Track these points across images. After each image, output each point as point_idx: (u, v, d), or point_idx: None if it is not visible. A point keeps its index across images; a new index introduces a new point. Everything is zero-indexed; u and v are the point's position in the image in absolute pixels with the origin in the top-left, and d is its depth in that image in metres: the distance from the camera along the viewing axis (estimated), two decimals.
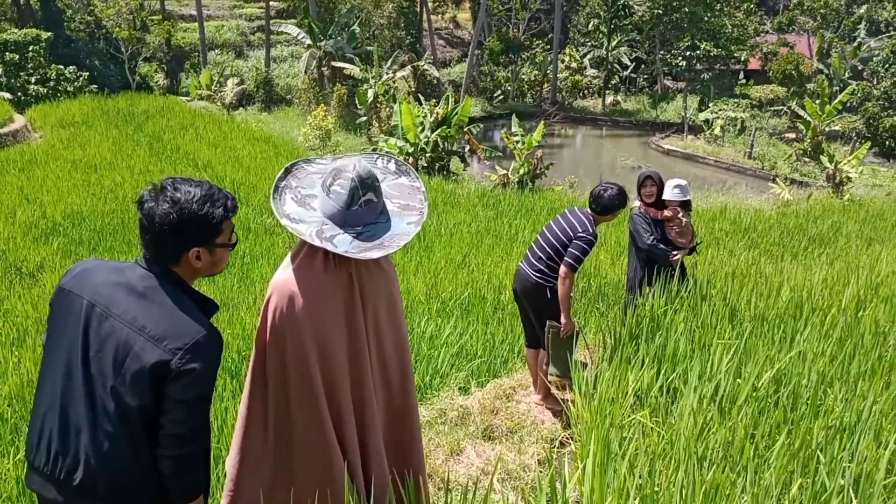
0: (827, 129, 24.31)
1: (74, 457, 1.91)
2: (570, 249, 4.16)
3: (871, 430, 2.96)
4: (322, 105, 23.57)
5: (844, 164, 18.13)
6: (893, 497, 2.54)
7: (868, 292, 5.07)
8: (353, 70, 25.22)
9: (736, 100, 30.08)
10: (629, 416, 3.21)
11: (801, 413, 3.13)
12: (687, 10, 30.45)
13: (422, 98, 21.47)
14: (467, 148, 18.61)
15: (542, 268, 4.28)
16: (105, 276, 1.98)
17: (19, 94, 22.81)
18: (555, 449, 4.03)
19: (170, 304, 1.94)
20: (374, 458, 2.38)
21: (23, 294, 7.20)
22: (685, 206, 5.49)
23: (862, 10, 37.84)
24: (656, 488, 2.53)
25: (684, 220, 5.40)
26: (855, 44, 33.80)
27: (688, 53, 31.44)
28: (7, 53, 23.54)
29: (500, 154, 19.63)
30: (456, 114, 17.73)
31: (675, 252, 5.33)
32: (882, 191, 19.20)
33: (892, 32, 32.67)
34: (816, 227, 10.97)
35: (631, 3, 33.61)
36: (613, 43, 36.07)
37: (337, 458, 2.27)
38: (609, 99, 36.36)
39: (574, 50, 37.61)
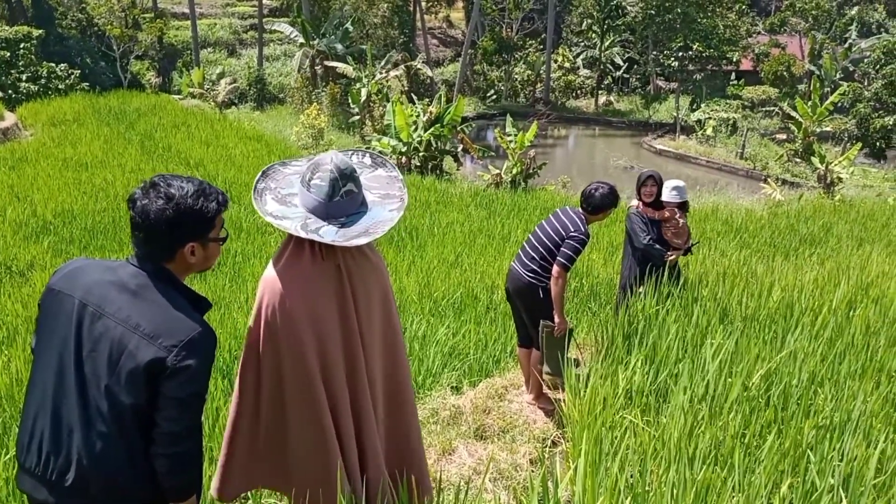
0: (818, 129, 24.44)
1: (67, 457, 1.90)
2: (562, 249, 4.17)
3: (861, 429, 2.98)
4: (315, 104, 23.53)
5: (835, 164, 18.23)
6: (883, 496, 2.55)
7: (858, 292, 5.09)
8: (347, 69, 25.19)
9: (728, 100, 30.21)
10: (620, 416, 3.22)
11: (791, 413, 3.15)
12: (679, 10, 30.57)
13: (415, 97, 21.45)
14: (460, 147, 18.61)
15: (534, 268, 4.28)
16: (96, 275, 1.98)
17: (10, 91, 22.66)
18: (547, 448, 4.03)
19: (163, 301, 1.94)
20: (370, 451, 2.38)
21: (13, 293, 7.15)
22: (682, 207, 5.51)
23: (853, 12, 38.08)
24: (647, 488, 2.54)
25: (681, 221, 5.42)
26: (846, 45, 33.99)
27: (680, 54, 31.55)
28: None
29: (493, 154, 19.64)
30: (449, 113, 17.72)
31: (670, 252, 5.35)
32: (872, 191, 19.31)
33: (882, 34, 32.85)
34: (807, 227, 11.01)
35: (624, 3, 33.69)
36: (606, 43, 36.17)
37: (335, 452, 2.27)
38: (602, 99, 36.45)
39: (567, 50, 37.69)
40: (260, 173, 2.32)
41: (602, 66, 36.72)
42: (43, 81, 23.56)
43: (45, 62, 24.17)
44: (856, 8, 38.92)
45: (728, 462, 2.74)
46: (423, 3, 39.75)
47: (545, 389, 4.51)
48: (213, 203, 1.99)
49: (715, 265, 7.19)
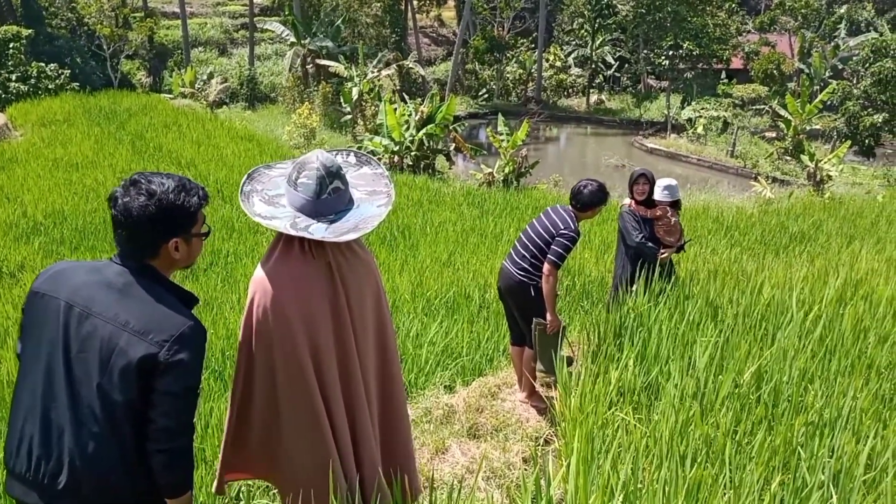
0: (808, 127, 24.58)
1: (58, 459, 1.89)
2: (552, 247, 4.18)
3: (851, 426, 3.00)
4: (306, 103, 23.47)
5: (825, 162, 18.32)
6: (873, 492, 2.57)
7: (848, 290, 5.12)
8: (338, 68, 25.14)
9: (718, 99, 30.31)
10: (612, 414, 3.23)
11: (782, 409, 3.17)
12: (670, 9, 30.66)
13: (407, 96, 21.43)
14: (452, 146, 18.61)
15: (526, 266, 4.29)
16: (81, 276, 1.97)
17: None
18: (539, 447, 4.04)
19: (150, 298, 1.94)
20: (366, 450, 2.39)
21: (3, 294, 7.12)
22: (674, 205, 5.53)
23: (842, 10, 38.27)
24: (639, 485, 2.55)
25: (673, 219, 5.44)
26: (833, 43, 34.17)
27: (671, 53, 31.66)
28: None
29: (486, 153, 19.65)
30: (441, 112, 17.71)
31: (662, 250, 5.37)
32: (862, 189, 19.42)
33: (871, 32, 33.04)
34: (797, 224, 11.06)
35: (615, 2, 33.76)
36: (597, 42, 36.24)
37: (332, 451, 2.28)
38: (593, 98, 36.53)
39: (558, 49, 37.75)
40: (245, 176, 2.34)
41: (593, 65, 36.80)
42: (33, 81, 23.40)
43: (35, 62, 24.02)
44: (845, 6, 39.11)
45: (719, 459, 2.76)
46: (415, 2, 39.74)
47: (538, 387, 4.52)
48: (195, 198, 2.00)
49: (706, 263, 7.23)
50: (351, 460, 2.34)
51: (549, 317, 4.24)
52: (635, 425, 3.07)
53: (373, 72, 25.11)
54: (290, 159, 2.45)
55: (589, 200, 4.31)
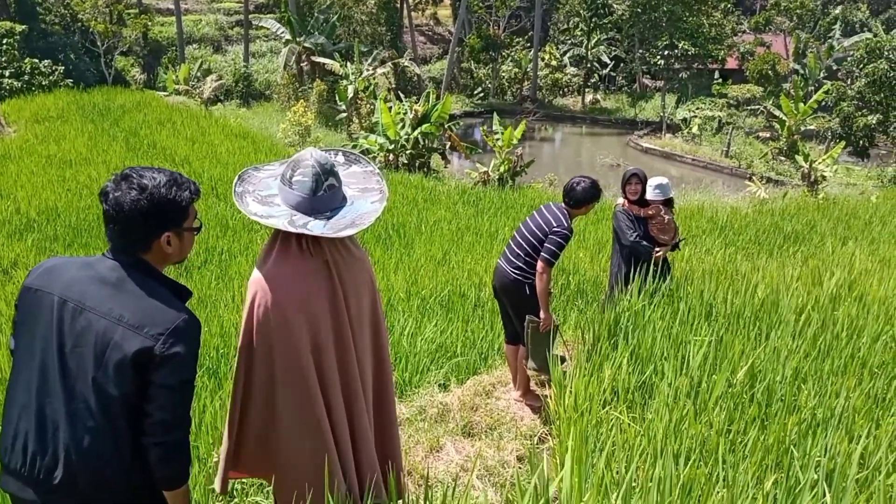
0: (802, 128, 24.62)
1: (54, 455, 1.89)
2: (545, 244, 4.18)
3: (844, 425, 3.01)
4: (301, 101, 23.42)
5: (819, 162, 18.37)
6: (865, 490, 2.58)
7: (841, 290, 5.14)
8: (334, 66, 25.10)
9: (713, 99, 30.38)
10: (606, 412, 3.24)
11: (775, 409, 3.18)
12: (665, 9, 30.71)
13: (402, 95, 21.41)
14: (448, 145, 18.60)
15: (520, 264, 4.29)
16: (74, 271, 1.97)
17: None
18: (534, 445, 4.05)
19: (143, 292, 1.94)
20: (364, 447, 2.40)
21: None
22: (667, 203, 5.55)
23: (837, 11, 38.40)
24: (633, 483, 2.55)
25: (666, 217, 5.46)
26: (827, 44, 34.28)
27: (666, 52, 31.70)
28: None
29: (481, 151, 19.65)
30: (436, 111, 17.70)
31: (657, 248, 5.39)
32: (856, 189, 19.50)
33: (865, 33, 33.14)
34: (791, 225, 11.10)
35: (610, 1, 33.79)
36: (593, 41, 36.28)
37: (331, 448, 2.28)
38: (588, 97, 36.56)
39: (554, 48, 37.76)
40: (236, 178, 2.35)
41: (589, 64, 36.84)
42: (26, 77, 23.30)
43: (29, 58, 23.92)
44: (839, 7, 39.26)
45: (713, 458, 2.77)
46: (410, 1, 39.69)
47: (532, 385, 4.52)
48: (187, 192, 2.00)
49: (700, 263, 7.25)
50: (350, 461, 2.35)
51: (542, 314, 4.25)
52: (629, 424, 3.08)
53: (368, 70, 25.08)
54: (277, 161, 2.45)
55: (582, 197, 4.32)
